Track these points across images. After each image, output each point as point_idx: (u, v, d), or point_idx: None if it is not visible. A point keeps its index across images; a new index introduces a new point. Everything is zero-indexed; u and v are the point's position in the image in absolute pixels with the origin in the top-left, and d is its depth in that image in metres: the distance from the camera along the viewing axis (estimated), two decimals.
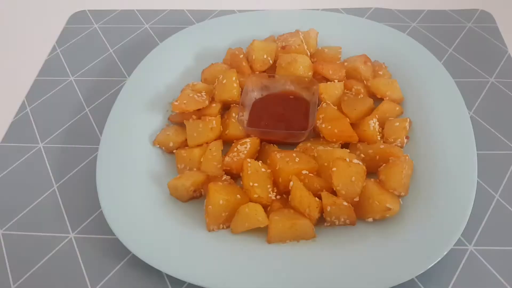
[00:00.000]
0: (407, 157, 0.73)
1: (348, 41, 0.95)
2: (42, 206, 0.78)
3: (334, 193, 0.70)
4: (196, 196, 0.75)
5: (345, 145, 0.78)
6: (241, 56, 0.89)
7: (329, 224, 0.70)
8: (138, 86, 0.89)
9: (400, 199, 0.71)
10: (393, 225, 0.69)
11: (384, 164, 0.74)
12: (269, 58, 0.89)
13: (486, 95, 0.90)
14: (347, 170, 0.69)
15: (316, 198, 0.69)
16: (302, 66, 0.86)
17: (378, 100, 0.85)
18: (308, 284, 0.63)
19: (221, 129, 0.81)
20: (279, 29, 0.96)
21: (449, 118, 0.80)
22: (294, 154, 0.74)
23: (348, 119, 0.79)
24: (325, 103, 0.81)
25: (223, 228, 0.71)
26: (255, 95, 0.88)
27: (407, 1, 1.12)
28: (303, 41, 0.90)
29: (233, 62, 0.90)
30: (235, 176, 0.76)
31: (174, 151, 0.80)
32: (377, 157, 0.75)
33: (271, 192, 0.72)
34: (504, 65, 0.95)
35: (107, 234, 0.72)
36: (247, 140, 0.78)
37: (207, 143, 0.79)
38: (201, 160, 0.77)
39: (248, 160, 0.73)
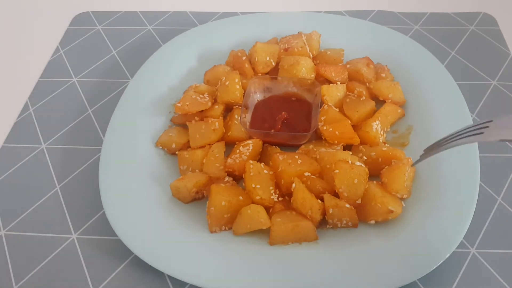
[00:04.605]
0: (409, 160, 0.73)
1: (351, 43, 0.95)
2: (44, 206, 0.78)
3: (336, 195, 0.70)
4: (198, 198, 0.75)
5: (347, 147, 0.78)
6: (244, 58, 0.89)
7: (331, 226, 0.70)
8: (141, 88, 0.90)
9: (402, 202, 0.71)
10: (395, 228, 0.69)
11: (386, 167, 0.74)
12: (271, 60, 0.89)
13: (488, 97, 0.90)
14: (350, 172, 0.69)
15: (318, 200, 0.69)
16: (305, 68, 0.86)
17: (380, 102, 0.85)
18: (310, 286, 0.63)
19: (224, 130, 0.81)
20: (282, 31, 0.97)
21: (452, 120, 0.80)
22: (296, 156, 0.74)
23: (349, 121, 0.79)
24: (326, 105, 0.81)
25: (225, 229, 0.71)
26: (258, 96, 0.88)
27: (410, 4, 1.12)
28: (306, 43, 0.91)
29: (235, 64, 0.90)
30: (237, 177, 0.76)
31: (177, 152, 0.80)
32: (380, 159, 0.75)
33: (273, 194, 0.72)
34: (507, 68, 0.95)
35: (109, 235, 0.73)
36: (250, 141, 0.78)
37: (209, 144, 0.79)
38: (204, 161, 0.77)
39: (251, 161, 0.73)
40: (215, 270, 0.65)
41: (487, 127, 0.52)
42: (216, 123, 0.80)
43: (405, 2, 1.13)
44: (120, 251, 0.70)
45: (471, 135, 0.53)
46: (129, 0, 1.19)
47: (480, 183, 0.72)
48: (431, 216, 0.68)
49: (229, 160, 0.76)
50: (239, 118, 0.81)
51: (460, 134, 0.54)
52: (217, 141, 0.80)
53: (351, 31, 0.98)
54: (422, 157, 0.60)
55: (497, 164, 0.79)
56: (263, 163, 0.75)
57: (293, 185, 0.70)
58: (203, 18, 1.11)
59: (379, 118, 0.80)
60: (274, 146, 0.80)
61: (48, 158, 0.85)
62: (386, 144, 0.79)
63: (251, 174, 0.72)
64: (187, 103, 0.82)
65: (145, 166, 0.79)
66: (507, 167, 0.79)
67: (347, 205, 0.68)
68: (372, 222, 0.69)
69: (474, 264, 0.68)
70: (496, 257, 0.68)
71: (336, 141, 0.77)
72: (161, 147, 0.82)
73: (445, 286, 0.66)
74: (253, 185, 0.71)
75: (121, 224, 0.70)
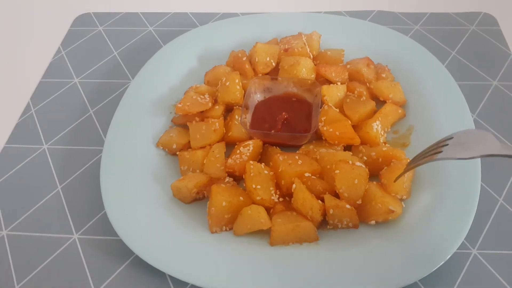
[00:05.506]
0: (408, 160, 0.73)
1: (351, 44, 0.95)
2: (46, 207, 0.78)
3: (336, 195, 0.70)
4: (199, 198, 0.75)
5: (348, 148, 0.78)
6: (244, 58, 0.90)
7: (331, 226, 0.70)
8: (142, 88, 0.90)
9: (402, 202, 0.71)
10: (396, 228, 0.69)
11: (385, 168, 0.74)
12: (272, 61, 0.89)
13: (489, 98, 0.90)
14: (350, 173, 0.69)
15: (319, 200, 0.69)
16: (305, 69, 0.86)
17: (380, 102, 0.85)
18: (310, 287, 0.63)
19: (224, 131, 0.81)
20: (282, 31, 0.97)
21: (452, 121, 0.80)
22: (296, 157, 0.74)
23: (350, 121, 0.79)
24: (327, 105, 0.81)
25: (225, 230, 0.71)
26: (258, 97, 0.88)
27: (410, 4, 1.12)
28: (306, 43, 0.91)
29: (236, 64, 0.90)
30: (238, 178, 0.76)
31: (177, 153, 0.81)
32: (380, 159, 0.75)
33: (274, 194, 0.72)
34: (507, 68, 0.95)
35: (110, 235, 0.73)
36: (250, 142, 0.78)
37: (210, 145, 0.80)
38: (204, 162, 0.77)
39: (251, 162, 0.73)
40: (216, 270, 0.65)
41: (447, 145, 0.53)
42: (217, 123, 0.80)
43: (405, 2, 1.13)
44: (121, 251, 0.71)
45: (431, 154, 0.54)
46: (130, 1, 1.20)
47: (481, 184, 0.72)
48: (432, 216, 0.68)
49: (229, 160, 0.76)
50: (240, 118, 0.81)
51: (425, 154, 0.56)
52: (218, 142, 0.80)
53: (351, 32, 0.98)
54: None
55: (498, 164, 0.79)
56: (263, 164, 0.75)
57: (294, 185, 0.70)
58: (204, 19, 1.12)
59: (380, 118, 0.80)
60: (274, 147, 0.80)
61: (49, 159, 0.86)
62: (387, 144, 0.79)
63: (252, 174, 0.72)
64: (188, 103, 0.82)
65: (146, 166, 0.79)
66: (509, 167, 0.79)
67: (348, 206, 0.68)
68: (373, 222, 0.69)
69: (475, 265, 0.68)
70: (498, 258, 0.68)
71: (336, 142, 0.77)
72: (162, 147, 0.82)
73: (447, 287, 0.66)
74: (254, 186, 0.71)
75: (122, 225, 0.70)
